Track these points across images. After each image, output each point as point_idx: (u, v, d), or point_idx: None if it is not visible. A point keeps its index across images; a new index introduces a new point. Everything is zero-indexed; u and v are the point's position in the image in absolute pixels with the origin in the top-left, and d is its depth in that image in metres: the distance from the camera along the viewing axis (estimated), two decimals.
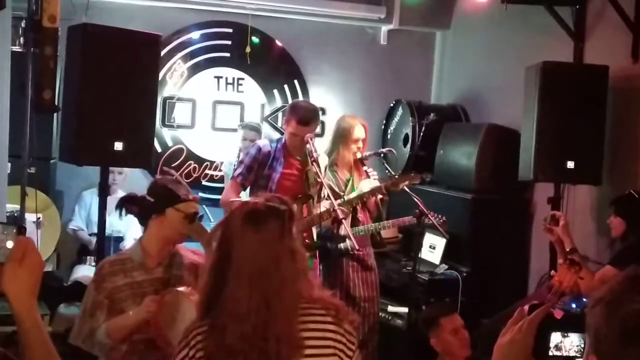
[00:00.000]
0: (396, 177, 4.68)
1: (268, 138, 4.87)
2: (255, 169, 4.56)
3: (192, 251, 3.24)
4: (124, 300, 2.96)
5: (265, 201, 2.08)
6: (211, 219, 6.17)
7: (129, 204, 3.14)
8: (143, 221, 3.12)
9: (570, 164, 4.52)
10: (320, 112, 4.89)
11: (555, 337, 3.12)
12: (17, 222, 4.50)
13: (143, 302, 2.90)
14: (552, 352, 3.09)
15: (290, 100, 6.60)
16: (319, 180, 4.50)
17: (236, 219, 2.02)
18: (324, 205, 4.48)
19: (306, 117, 4.52)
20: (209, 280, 2.03)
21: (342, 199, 4.63)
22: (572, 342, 3.15)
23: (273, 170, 4.55)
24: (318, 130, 6.52)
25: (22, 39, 5.09)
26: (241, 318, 1.93)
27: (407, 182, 4.61)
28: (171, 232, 3.05)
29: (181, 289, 2.90)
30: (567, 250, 3.87)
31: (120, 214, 3.10)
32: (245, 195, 4.70)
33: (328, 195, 4.39)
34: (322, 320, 2.03)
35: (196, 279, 2.99)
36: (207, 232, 3.10)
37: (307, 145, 4.54)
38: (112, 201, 3.27)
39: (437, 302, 4.79)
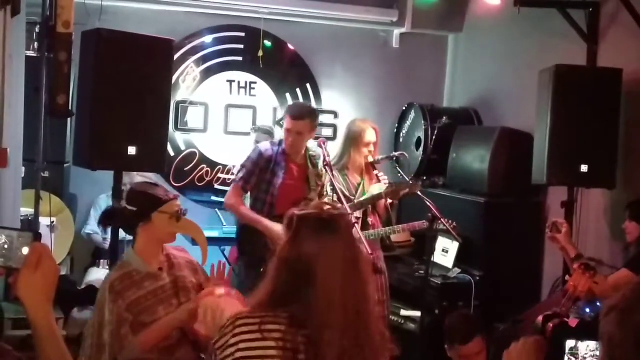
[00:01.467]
0: (395, 185, 4.68)
1: (270, 141, 4.86)
2: (257, 174, 4.58)
3: (178, 249, 3.26)
4: (144, 312, 2.96)
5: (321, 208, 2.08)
6: (224, 223, 6.20)
7: (110, 219, 3.17)
8: (130, 231, 3.12)
9: (584, 168, 4.49)
10: (317, 112, 4.89)
11: (570, 343, 3.11)
12: (31, 226, 4.53)
13: (180, 309, 2.93)
14: (568, 357, 3.07)
15: None
16: (319, 183, 4.54)
17: (307, 228, 2.00)
18: None
19: (298, 111, 4.62)
20: (275, 290, 1.98)
21: (352, 203, 4.63)
22: (587, 347, 3.14)
23: (275, 175, 4.57)
24: (330, 133, 6.57)
25: (36, 44, 5.13)
26: (339, 329, 1.88)
27: (406, 191, 4.61)
28: (162, 235, 3.07)
29: (220, 291, 2.87)
30: (572, 257, 3.75)
31: (105, 230, 3.12)
32: (247, 199, 4.72)
33: (339, 199, 4.40)
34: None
35: (195, 275, 3.06)
36: (195, 225, 3.15)
37: (320, 149, 4.56)
38: None
39: (454, 307, 4.74)
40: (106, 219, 3.17)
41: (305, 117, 4.58)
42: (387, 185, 4.73)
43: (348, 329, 1.90)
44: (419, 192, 4.61)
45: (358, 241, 2.09)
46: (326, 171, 4.56)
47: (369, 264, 2.08)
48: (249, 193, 4.71)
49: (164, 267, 3.09)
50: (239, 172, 4.69)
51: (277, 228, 4.34)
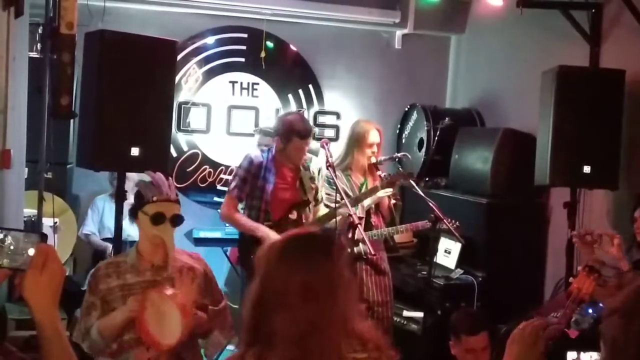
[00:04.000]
0: (389, 176, 4.72)
1: (260, 148, 4.87)
2: (250, 181, 4.59)
3: (189, 254, 3.27)
4: (115, 302, 3.03)
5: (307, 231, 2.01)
6: (226, 224, 6.20)
7: (129, 214, 3.22)
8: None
9: (587, 169, 4.49)
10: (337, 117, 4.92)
11: (572, 355, 3.10)
12: (34, 227, 4.54)
13: (129, 299, 2.97)
14: None
15: (305, 105, 6.62)
16: (313, 186, 4.55)
17: (277, 248, 1.93)
18: (339, 212, 4.51)
19: (307, 130, 4.58)
20: (253, 312, 1.90)
21: (356, 207, 4.64)
22: (590, 357, 3.14)
23: (266, 182, 4.59)
24: (332, 134, 6.58)
25: (39, 45, 5.14)
26: (291, 343, 1.81)
27: (401, 181, 4.64)
28: (147, 234, 3.08)
29: (168, 291, 2.92)
30: (626, 270, 3.35)
31: (131, 222, 3.17)
32: (241, 208, 4.73)
33: (342, 199, 4.41)
34: (362, 358, 1.94)
35: (191, 282, 3.01)
36: (169, 234, 3.08)
37: (323, 150, 4.57)
38: (127, 207, 3.31)
39: (457, 307, 4.73)
40: (130, 214, 3.22)
41: (311, 133, 4.63)
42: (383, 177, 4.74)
43: (301, 345, 1.82)
44: (412, 182, 4.62)
45: (341, 264, 1.92)
46: (325, 172, 4.57)
47: (353, 288, 1.98)
48: (243, 202, 4.72)
49: (155, 266, 3.11)
50: (232, 181, 4.71)
51: (273, 235, 4.36)
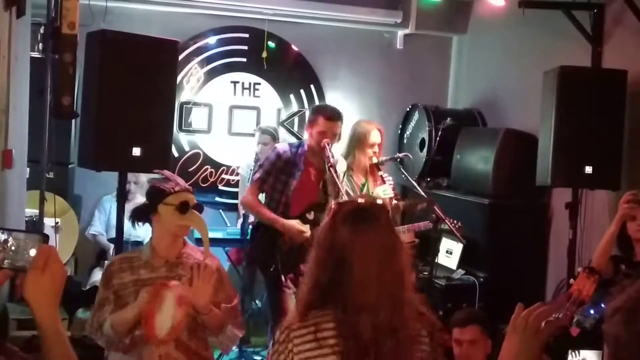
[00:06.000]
0: (412, 200, 4.83)
1: (288, 142, 4.85)
2: (274, 174, 4.58)
3: (201, 251, 3.28)
4: (128, 297, 3.04)
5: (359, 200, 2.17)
6: (228, 224, 6.20)
7: (136, 215, 3.21)
8: (148, 224, 3.20)
9: (589, 169, 4.48)
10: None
11: (573, 354, 3.10)
12: (36, 227, 4.55)
13: (139, 295, 2.97)
14: None
15: (306, 105, 6.62)
16: (336, 189, 4.50)
17: (343, 221, 2.07)
18: None
19: (334, 112, 4.62)
20: (317, 281, 2.05)
21: None
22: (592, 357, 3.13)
23: (291, 177, 4.57)
24: None
25: (41, 45, 5.14)
26: (372, 308, 1.97)
27: (424, 206, 4.66)
28: (170, 227, 3.10)
29: (173, 282, 2.95)
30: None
31: (133, 225, 3.17)
32: (262, 198, 4.72)
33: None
34: (421, 334, 2.09)
35: (210, 277, 3.01)
36: (199, 217, 3.16)
37: (324, 150, 4.55)
38: (130, 207, 3.31)
39: (458, 308, 4.74)
40: (131, 215, 3.22)
41: (340, 118, 4.64)
42: (391, 185, 4.75)
43: (381, 311, 1.97)
44: (436, 208, 4.57)
45: (397, 233, 2.15)
46: (330, 172, 4.55)
47: (408, 254, 2.12)
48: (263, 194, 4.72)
49: (169, 262, 3.11)
50: (256, 171, 4.72)
51: (295, 223, 4.45)
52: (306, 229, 4.46)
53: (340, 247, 2.03)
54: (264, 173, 4.60)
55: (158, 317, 2.88)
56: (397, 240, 2.10)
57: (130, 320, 2.96)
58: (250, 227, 5.11)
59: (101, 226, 5.81)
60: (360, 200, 2.19)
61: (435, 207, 4.56)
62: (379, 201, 2.17)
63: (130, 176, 5.10)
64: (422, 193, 4.68)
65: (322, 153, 4.53)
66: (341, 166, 4.70)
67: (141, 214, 3.15)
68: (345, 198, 4.49)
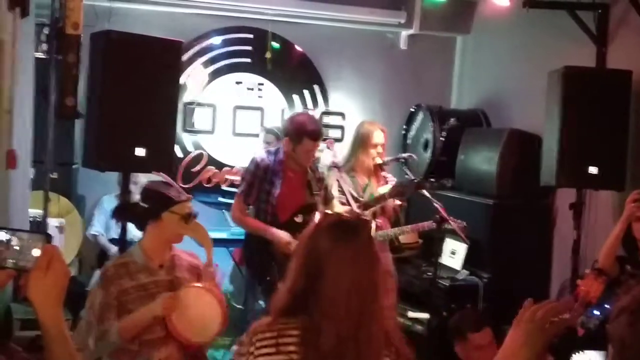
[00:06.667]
0: (400, 186, 4.74)
1: (265, 150, 4.80)
2: (256, 185, 4.54)
3: (188, 253, 3.29)
4: (131, 303, 3.02)
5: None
6: (231, 224, 6.20)
7: (123, 212, 3.20)
8: (141, 227, 3.17)
9: (593, 170, 4.47)
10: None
11: (577, 354, 3.09)
12: (40, 227, 4.55)
13: (157, 299, 2.97)
14: None
15: (310, 105, 6.62)
16: (321, 186, 4.51)
17: (324, 231, 2.07)
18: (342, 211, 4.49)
19: (318, 131, 4.54)
20: (291, 288, 2.05)
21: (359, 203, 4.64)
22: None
23: (272, 186, 4.53)
24: (338, 135, 6.57)
25: (45, 46, 5.15)
26: (338, 319, 1.96)
27: (412, 191, 4.63)
28: (170, 235, 3.12)
29: (198, 284, 2.97)
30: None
31: (117, 223, 3.17)
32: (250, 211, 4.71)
33: (347, 201, 4.40)
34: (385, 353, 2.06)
35: (198, 280, 3.10)
36: (203, 229, 3.19)
37: (328, 150, 4.56)
38: None
39: (462, 308, 4.73)
40: (118, 213, 3.21)
41: (322, 134, 4.60)
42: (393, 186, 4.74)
43: (347, 323, 1.96)
44: (424, 192, 4.60)
45: (377, 250, 2.12)
46: (331, 172, 4.56)
47: (385, 274, 2.11)
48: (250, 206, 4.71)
49: (165, 266, 3.11)
50: (240, 185, 4.69)
51: (283, 235, 4.40)
52: (293, 241, 4.41)
53: (317, 256, 2.02)
54: (246, 186, 4.56)
55: (193, 321, 2.93)
56: (374, 257, 2.08)
57: (143, 325, 2.96)
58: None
59: (101, 226, 5.80)
60: (345, 214, 2.18)
61: (424, 192, 4.56)
62: (362, 216, 2.16)
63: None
64: (428, 194, 4.66)
65: (304, 158, 4.51)
66: (323, 163, 4.71)
67: (138, 217, 3.13)
68: (334, 195, 4.52)
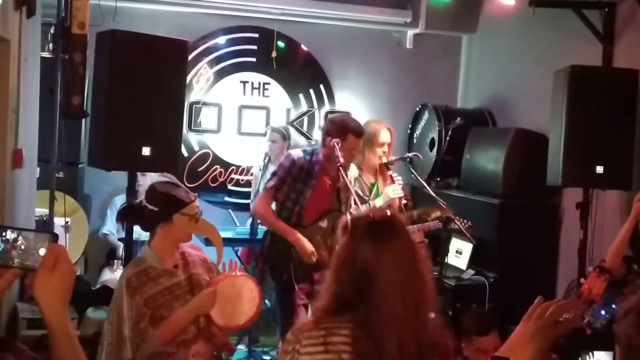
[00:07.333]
0: (427, 208, 4.78)
1: (301, 149, 4.72)
2: (289, 182, 4.45)
3: (192, 247, 3.31)
4: (162, 308, 3.00)
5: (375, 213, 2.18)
6: (237, 223, 6.21)
7: (130, 215, 3.19)
8: (149, 229, 3.16)
9: (600, 169, 4.46)
10: None
11: (585, 354, 3.07)
12: (46, 226, 4.56)
13: (197, 297, 3.03)
14: None
15: (315, 105, 6.62)
16: (348, 195, 4.44)
17: (362, 237, 2.06)
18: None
19: (361, 129, 4.50)
20: (336, 294, 2.05)
21: (367, 204, 4.61)
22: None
23: (305, 186, 4.45)
24: None
25: (51, 45, 5.16)
26: (398, 322, 1.96)
27: (438, 214, 4.63)
28: (180, 235, 3.13)
29: (238, 273, 3.11)
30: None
31: (123, 226, 3.16)
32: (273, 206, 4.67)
33: (355, 201, 4.38)
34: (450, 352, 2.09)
35: (209, 273, 3.16)
36: (212, 226, 3.23)
37: (334, 150, 4.52)
38: None
39: (468, 308, 4.71)
40: (124, 216, 3.20)
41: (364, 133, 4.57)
42: (401, 184, 4.73)
43: (407, 324, 1.97)
44: (432, 193, 4.58)
45: (415, 240, 2.15)
46: (339, 172, 4.53)
47: (427, 260, 2.12)
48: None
49: (179, 265, 3.13)
50: (270, 179, 4.57)
51: (308, 245, 4.36)
52: (315, 254, 4.36)
53: (363, 263, 2.02)
54: (278, 181, 4.46)
55: (233, 308, 3.05)
56: (415, 249, 2.10)
57: (186, 326, 3.00)
58: (259, 228, 5.09)
59: (113, 226, 5.82)
60: (371, 214, 2.17)
61: (450, 215, 4.54)
62: (388, 212, 2.16)
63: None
64: (440, 200, 4.63)
65: (333, 153, 4.42)
66: (352, 172, 4.64)
67: (147, 220, 3.12)
68: (353, 202, 4.47)
